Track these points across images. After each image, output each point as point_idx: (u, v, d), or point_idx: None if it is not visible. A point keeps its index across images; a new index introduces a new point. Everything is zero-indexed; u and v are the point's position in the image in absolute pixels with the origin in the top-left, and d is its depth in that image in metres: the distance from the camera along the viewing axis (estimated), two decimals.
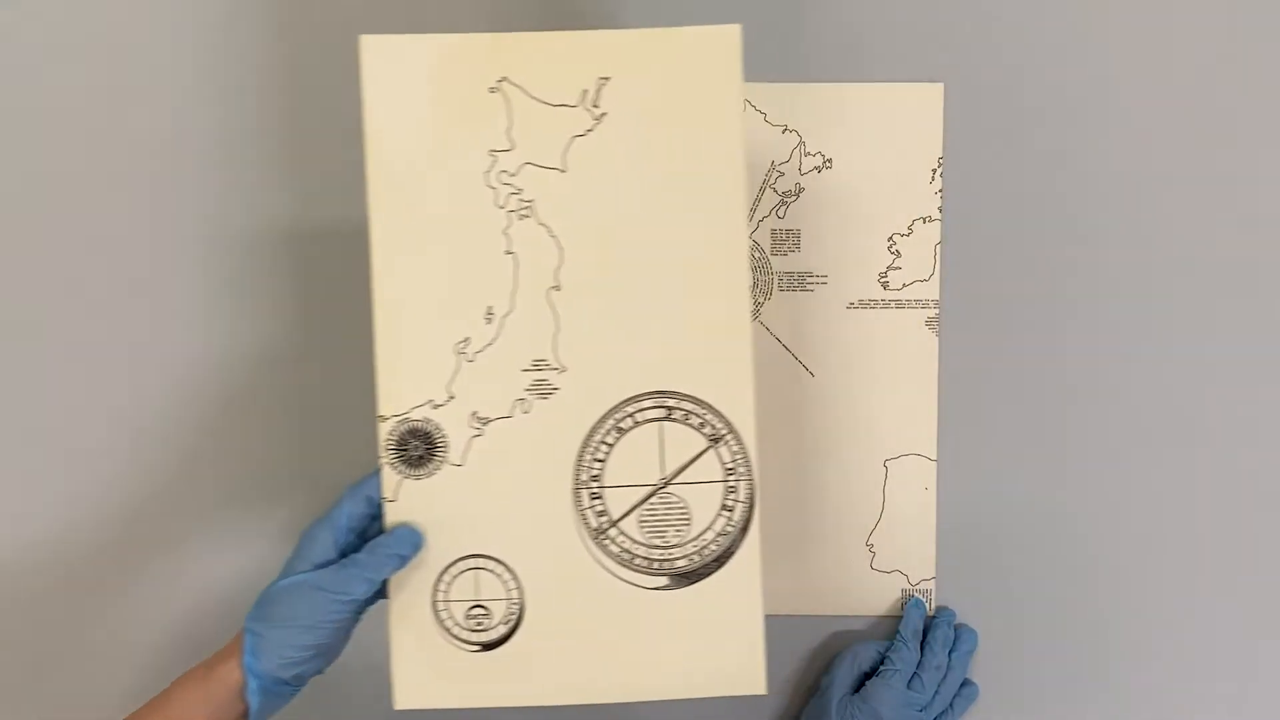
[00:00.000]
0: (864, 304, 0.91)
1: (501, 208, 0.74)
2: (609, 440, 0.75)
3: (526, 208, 0.74)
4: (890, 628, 0.92)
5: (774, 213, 0.91)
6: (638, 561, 0.75)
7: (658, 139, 0.74)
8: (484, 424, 0.75)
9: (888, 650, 0.89)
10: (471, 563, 0.75)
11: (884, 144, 0.90)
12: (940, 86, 0.90)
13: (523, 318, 0.74)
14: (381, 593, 0.75)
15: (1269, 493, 0.92)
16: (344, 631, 0.74)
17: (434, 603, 0.75)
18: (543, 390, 0.75)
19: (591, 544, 0.75)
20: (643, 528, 0.75)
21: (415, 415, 0.74)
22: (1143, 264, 0.91)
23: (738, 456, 0.75)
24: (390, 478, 0.75)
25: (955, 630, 0.91)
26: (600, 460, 0.75)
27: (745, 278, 0.74)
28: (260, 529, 0.92)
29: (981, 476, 0.92)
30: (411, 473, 0.75)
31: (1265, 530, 0.92)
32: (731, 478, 0.75)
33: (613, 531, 0.75)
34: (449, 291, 0.74)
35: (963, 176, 0.91)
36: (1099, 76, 0.90)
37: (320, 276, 0.90)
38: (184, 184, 0.91)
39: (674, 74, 0.73)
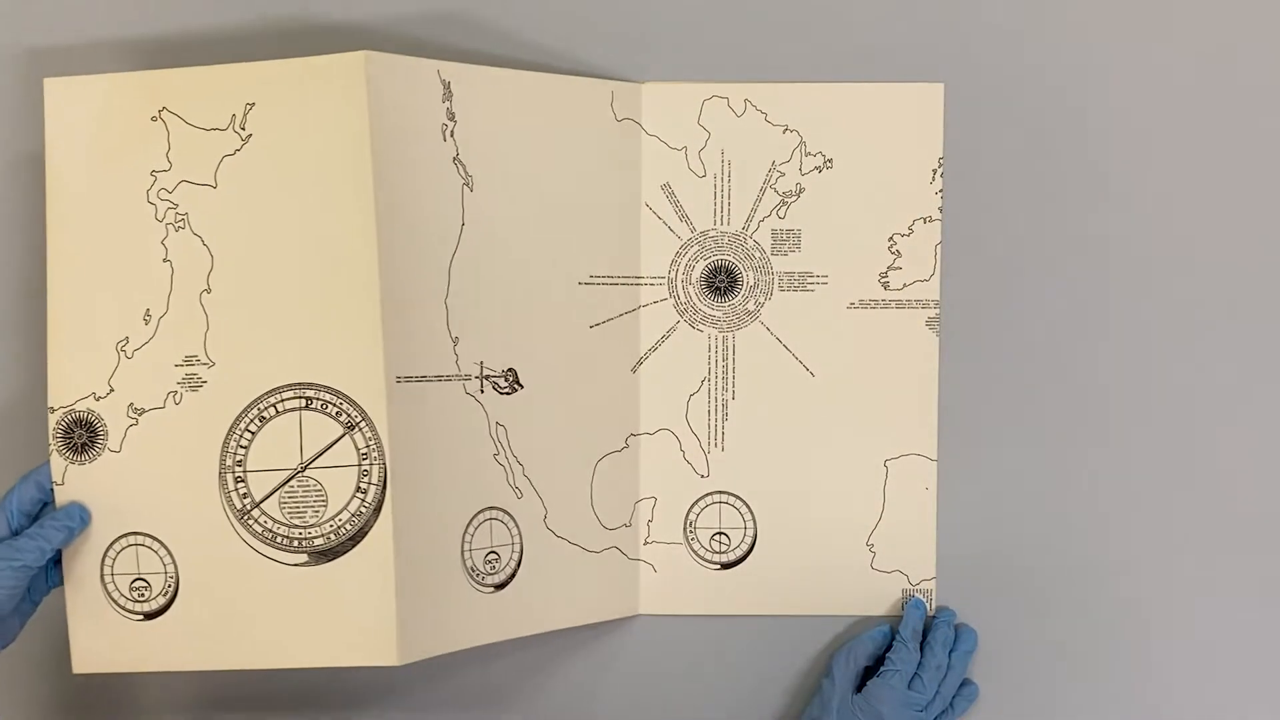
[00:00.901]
0: (864, 304, 0.92)
1: (160, 221, 0.83)
2: (252, 428, 0.82)
3: (182, 220, 0.83)
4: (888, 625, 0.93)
5: (774, 213, 0.92)
6: (279, 540, 0.82)
7: (296, 155, 0.82)
8: (139, 414, 0.83)
9: (887, 649, 0.90)
10: (133, 539, 0.83)
11: (884, 144, 0.91)
12: (940, 86, 0.91)
13: (177, 318, 0.83)
14: (58, 578, 0.84)
15: (1270, 492, 0.92)
16: (15, 601, 0.81)
17: (102, 575, 0.83)
18: (193, 383, 0.83)
19: (237, 524, 0.82)
20: (283, 508, 0.82)
21: (79, 407, 0.83)
22: (1143, 263, 0.91)
23: (371, 442, 0.81)
24: (58, 464, 0.83)
25: (955, 630, 0.91)
26: (244, 446, 0.82)
27: (374, 277, 0.80)
28: None
29: (981, 476, 0.92)
30: (76, 459, 0.83)
31: (1266, 530, 0.92)
32: (365, 462, 0.81)
33: (256, 512, 0.82)
34: (112, 297, 0.83)
35: (963, 176, 0.91)
36: (1099, 76, 0.91)
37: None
38: None
39: (308, 97, 0.81)
